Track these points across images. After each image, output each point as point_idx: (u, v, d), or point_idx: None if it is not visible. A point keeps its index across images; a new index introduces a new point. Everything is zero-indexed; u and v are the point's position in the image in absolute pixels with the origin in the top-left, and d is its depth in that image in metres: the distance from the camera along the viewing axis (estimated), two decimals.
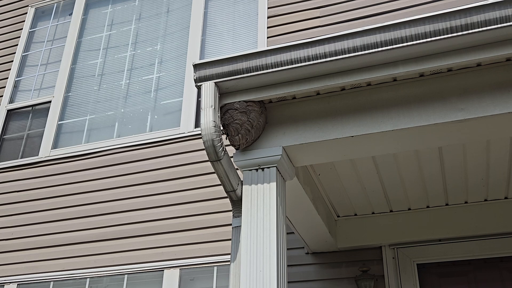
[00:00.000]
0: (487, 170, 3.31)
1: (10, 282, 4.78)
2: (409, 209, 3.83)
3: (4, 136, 5.68)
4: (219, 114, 2.51)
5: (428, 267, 3.81)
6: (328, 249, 3.94)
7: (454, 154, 3.15)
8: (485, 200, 3.68)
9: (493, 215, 3.65)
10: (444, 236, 3.72)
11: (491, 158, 3.18)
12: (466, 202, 3.72)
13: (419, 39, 2.27)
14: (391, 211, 3.87)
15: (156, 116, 5.13)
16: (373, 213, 3.90)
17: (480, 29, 2.20)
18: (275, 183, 2.52)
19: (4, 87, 5.97)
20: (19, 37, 6.27)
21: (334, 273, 3.88)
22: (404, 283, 3.72)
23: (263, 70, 2.47)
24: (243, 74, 2.50)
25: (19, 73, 6.04)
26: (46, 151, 5.33)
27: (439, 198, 3.67)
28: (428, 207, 3.80)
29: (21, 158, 5.43)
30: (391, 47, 2.30)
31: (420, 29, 2.27)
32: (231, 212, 4.27)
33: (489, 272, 3.68)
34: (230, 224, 4.23)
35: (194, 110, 4.91)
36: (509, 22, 2.18)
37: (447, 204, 3.76)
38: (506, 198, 3.65)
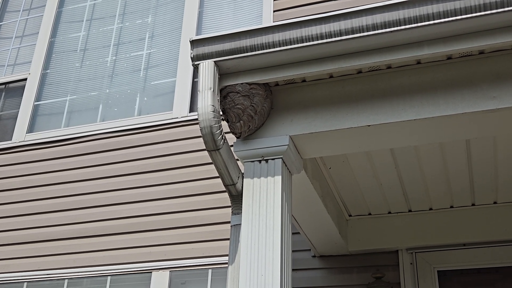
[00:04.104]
0: None
1: None
2: (431, 209, 3.85)
3: None
4: (218, 98, 2.51)
5: (450, 274, 3.83)
6: (338, 252, 3.97)
7: (484, 148, 3.16)
8: None
9: None
10: (470, 240, 3.74)
11: None
12: (495, 203, 3.74)
13: (448, 17, 2.26)
14: (410, 211, 3.88)
15: (145, 98, 5.13)
16: (389, 212, 3.91)
17: None
18: (280, 176, 2.53)
19: None
20: None
21: (344, 279, 3.91)
22: None
23: (269, 48, 2.47)
24: (247, 52, 2.50)
25: None
26: (20, 135, 5.34)
27: (465, 197, 3.68)
28: (452, 207, 3.82)
29: None
30: (415, 25, 2.30)
31: (449, 5, 2.26)
32: (230, 209, 4.28)
33: None
34: (229, 222, 4.25)
35: (189, 92, 4.91)
36: None
37: (473, 205, 3.78)
38: None
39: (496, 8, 2.21)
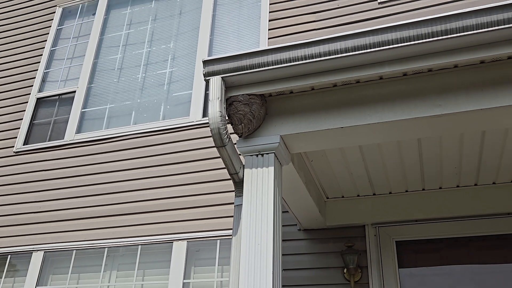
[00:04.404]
0: (460, 160, 3.31)
1: (38, 250, 4.80)
2: (390, 192, 3.83)
3: (34, 121, 5.68)
4: (225, 105, 2.50)
5: (405, 244, 3.82)
6: (318, 227, 3.95)
7: (432, 145, 3.15)
8: (457, 186, 3.69)
9: (464, 200, 3.65)
10: (421, 217, 3.73)
11: (464, 149, 3.18)
12: (440, 188, 3.73)
13: (404, 42, 2.25)
14: (374, 194, 3.87)
15: (168, 106, 5.12)
16: (358, 195, 3.90)
17: (458, 35, 2.19)
18: (273, 167, 2.52)
19: (34, 77, 5.95)
20: (48, 33, 6.23)
21: (323, 248, 3.90)
22: (384, 257, 3.73)
23: (264, 67, 2.46)
24: (247, 70, 2.49)
25: (48, 65, 6.02)
26: (70, 135, 5.32)
27: (417, 183, 3.67)
28: (407, 191, 3.81)
29: (49, 141, 5.42)
30: (378, 48, 2.29)
31: (405, 33, 2.25)
32: (234, 192, 4.27)
33: (459, 250, 3.69)
34: (233, 203, 4.23)
35: (202, 101, 4.90)
36: (483, 28, 2.17)
37: (423, 189, 3.77)
38: (475, 184, 3.66)
39: (441, 35, 2.21)
